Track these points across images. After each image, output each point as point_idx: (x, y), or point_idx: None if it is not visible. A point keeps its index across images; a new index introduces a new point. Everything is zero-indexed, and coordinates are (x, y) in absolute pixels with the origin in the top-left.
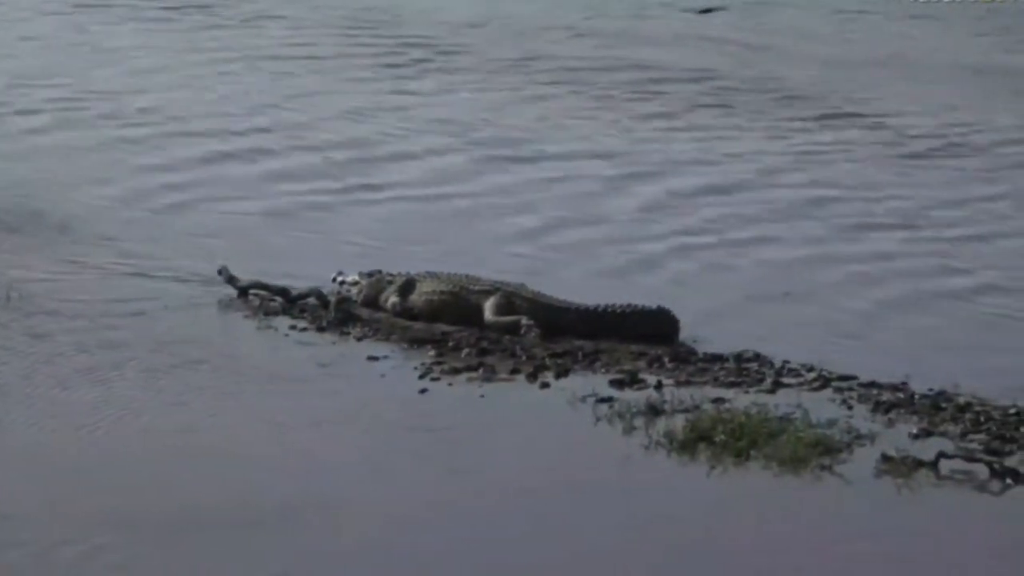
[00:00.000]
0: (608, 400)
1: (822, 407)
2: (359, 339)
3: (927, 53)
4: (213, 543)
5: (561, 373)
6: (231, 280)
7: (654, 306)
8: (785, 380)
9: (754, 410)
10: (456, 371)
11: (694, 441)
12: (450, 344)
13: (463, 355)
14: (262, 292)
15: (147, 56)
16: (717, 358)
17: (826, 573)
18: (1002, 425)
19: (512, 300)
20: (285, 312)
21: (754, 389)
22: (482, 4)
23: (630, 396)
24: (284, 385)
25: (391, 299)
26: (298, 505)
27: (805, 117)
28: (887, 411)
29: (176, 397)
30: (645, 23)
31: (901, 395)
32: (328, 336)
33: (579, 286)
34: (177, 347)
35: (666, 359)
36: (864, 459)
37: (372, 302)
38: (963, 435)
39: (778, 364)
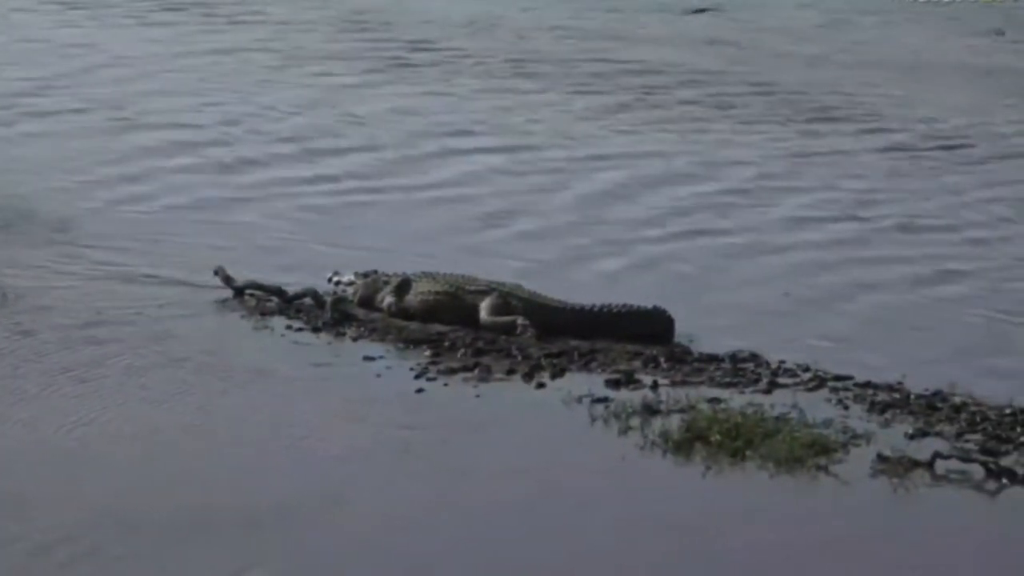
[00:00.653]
0: (604, 400)
1: (818, 407)
2: (355, 339)
3: (924, 54)
4: (210, 543)
5: (557, 373)
6: (227, 280)
7: (650, 306)
8: (781, 380)
9: (750, 410)
10: (452, 371)
11: (690, 441)
12: (446, 344)
13: (459, 355)
14: (258, 292)
15: (144, 56)
16: (713, 358)
17: (823, 573)
18: (998, 425)
19: (508, 300)
20: (281, 312)
21: (750, 389)
22: (474, 4)
23: (626, 396)
24: (280, 385)
25: (387, 299)
26: (294, 505)
27: (802, 118)
28: (883, 411)
29: (171, 396)
30: (639, 24)
31: (897, 395)
32: (324, 336)
33: (575, 286)
34: (173, 346)
35: (662, 359)
36: (860, 459)
37: (368, 302)
38: (959, 435)
39: (774, 364)
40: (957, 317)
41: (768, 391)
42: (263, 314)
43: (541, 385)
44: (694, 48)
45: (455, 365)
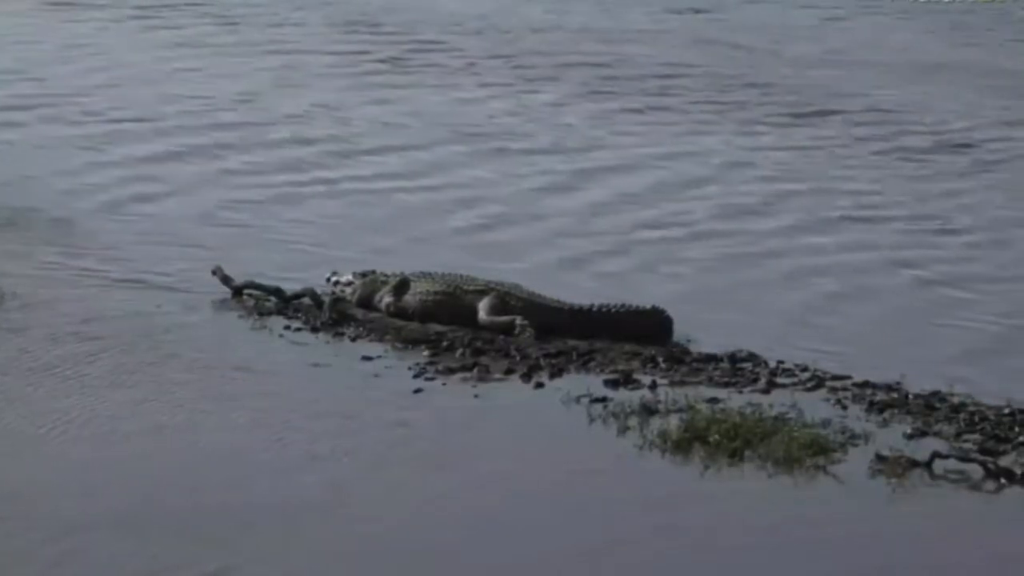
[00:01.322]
0: (602, 400)
1: (816, 407)
2: (353, 339)
3: (924, 54)
4: (203, 542)
5: (555, 373)
6: (225, 280)
7: (648, 306)
8: (779, 380)
9: (748, 410)
10: (450, 371)
11: (688, 441)
12: (444, 344)
13: (457, 355)
14: (256, 292)
15: (144, 59)
16: (711, 358)
17: (823, 573)
18: (996, 425)
19: (506, 300)
20: (280, 312)
21: (748, 389)
22: (474, 4)
23: (624, 396)
24: (278, 385)
25: (385, 299)
26: (292, 504)
27: (802, 119)
28: (881, 411)
29: (170, 396)
30: (632, 21)
31: (895, 395)
32: (322, 336)
33: (574, 286)
34: (171, 346)
35: (660, 359)
36: (858, 459)
37: (366, 302)
38: (957, 435)
39: (772, 364)
40: (956, 317)
41: (766, 391)
42: (261, 314)
43: (540, 385)
44: (694, 48)
45: (454, 365)
